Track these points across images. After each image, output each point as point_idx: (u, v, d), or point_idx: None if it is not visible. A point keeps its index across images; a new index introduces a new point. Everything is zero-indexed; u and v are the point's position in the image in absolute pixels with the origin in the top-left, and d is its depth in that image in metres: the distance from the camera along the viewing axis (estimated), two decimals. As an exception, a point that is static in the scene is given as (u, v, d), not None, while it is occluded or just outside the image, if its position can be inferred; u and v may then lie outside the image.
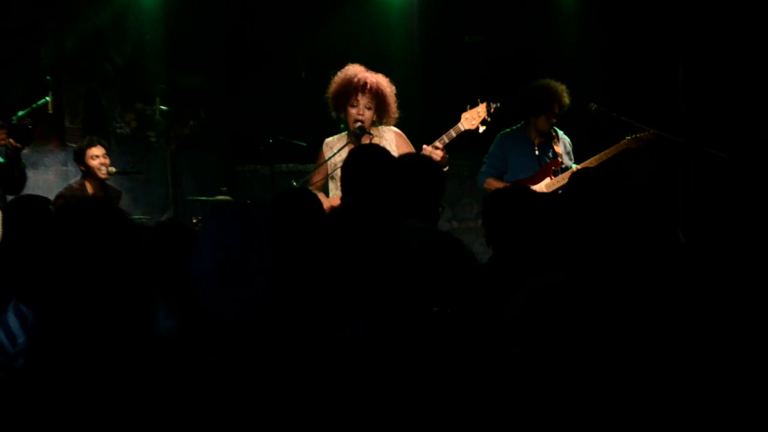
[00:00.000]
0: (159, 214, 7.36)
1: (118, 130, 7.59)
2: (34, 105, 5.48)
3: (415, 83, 7.26)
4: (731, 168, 6.04)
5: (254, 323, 1.94)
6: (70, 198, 5.88)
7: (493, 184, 5.57)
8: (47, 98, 5.56)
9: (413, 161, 3.85)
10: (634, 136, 5.53)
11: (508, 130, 5.75)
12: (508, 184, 5.36)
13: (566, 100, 5.57)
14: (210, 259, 3.16)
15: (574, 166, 5.57)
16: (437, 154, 4.72)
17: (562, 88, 5.57)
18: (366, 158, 3.35)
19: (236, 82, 8.03)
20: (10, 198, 4.95)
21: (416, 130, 5.27)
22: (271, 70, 7.88)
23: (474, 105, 5.01)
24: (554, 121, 5.62)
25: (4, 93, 6.50)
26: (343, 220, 3.14)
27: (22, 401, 1.64)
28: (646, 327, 2.51)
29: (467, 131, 4.99)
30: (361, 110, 4.93)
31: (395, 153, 4.74)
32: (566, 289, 2.59)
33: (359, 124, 4.90)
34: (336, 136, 5.12)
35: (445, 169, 4.43)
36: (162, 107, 6.62)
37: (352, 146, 4.81)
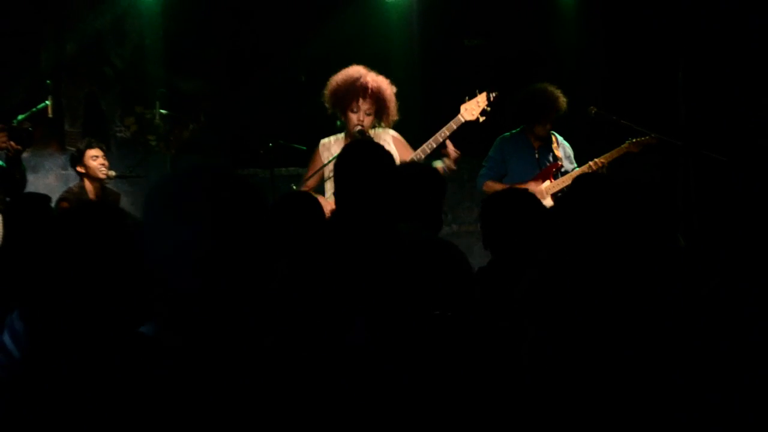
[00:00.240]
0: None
1: (118, 134, 7.60)
2: (34, 109, 5.47)
3: (415, 86, 7.26)
4: (731, 172, 6.04)
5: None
6: (73, 201, 5.87)
7: (493, 187, 5.57)
8: (47, 102, 5.56)
9: (415, 170, 3.84)
10: (634, 140, 5.53)
11: (508, 134, 5.75)
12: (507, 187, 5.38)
13: (563, 104, 5.57)
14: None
15: (578, 169, 5.57)
16: (454, 153, 4.73)
17: (558, 93, 5.56)
18: (362, 153, 3.30)
19: (236, 85, 8.03)
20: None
21: (416, 132, 5.28)
22: (271, 73, 7.88)
23: (473, 96, 4.99)
24: (550, 126, 5.61)
25: (4, 97, 6.50)
26: (338, 220, 3.12)
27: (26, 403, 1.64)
28: (647, 331, 2.51)
29: (467, 122, 4.97)
30: (361, 116, 4.91)
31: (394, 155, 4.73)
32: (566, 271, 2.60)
33: (359, 128, 4.89)
34: (332, 137, 5.10)
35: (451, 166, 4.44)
36: (162, 111, 6.62)
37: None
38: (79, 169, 6.13)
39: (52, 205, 4.29)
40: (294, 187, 5.13)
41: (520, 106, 5.61)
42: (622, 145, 5.52)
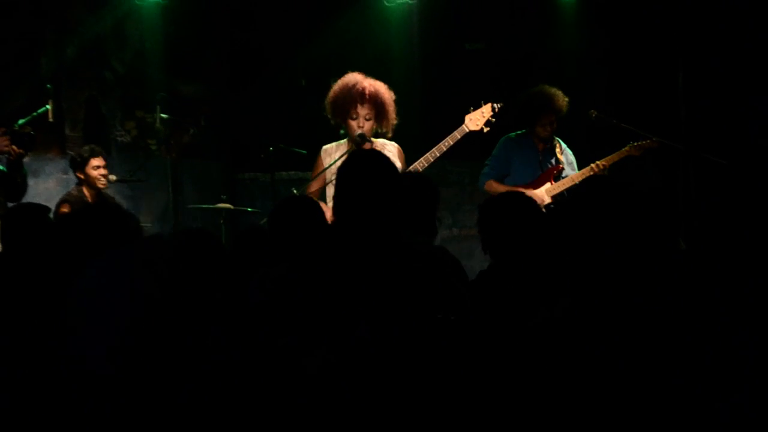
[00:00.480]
0: (160, 222, 7.36)
1: (119, 138, 7.59)
2: (35, 113, 5.47)
3: (416, 90, 7.26)
4: (732, 174, 6.04)
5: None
6: (74, 204, 5.88)
7: (494, 186, 5.60)
8: (47, 106, 5.56)
9: (409, 178, 3.84)
10: (635, 143, 5.55)
11: (513, 134, 5.76)
12: (509, 188, 5.39)
13: (562, 105, 5.57)
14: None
15: (579, 171, 5.59)
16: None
17: (556, 94, 5.57)
18: (367, 163, 3.30)
19: (237, 89, 8.04)
20: (11, 205, 4.95)
21: (416, 136, 5.28)
22: (272, 77, 7.88)
23: (477, 106, 5.01)
24: (552, 127, 5.62)
25: (4, 101, 6.50)
26: (338, 226, 3.11)
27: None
28: (648, 334, 2.51)
29: (471, 132, 4.99)
30: (361, 122, 4.93)
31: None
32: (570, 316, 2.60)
33: (359, 132, 4.91)
34: (334, 144, 5.12)
35: None
36: (162, 115, 6.62)
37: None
38: (79, 174, 6.16)
39: (52, 209, 4.28)
40: (295, 191, 5.13)
41: (521, 108, 5.63)
42: (623, 149, 5.55)
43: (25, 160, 5.19)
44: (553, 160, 5.66)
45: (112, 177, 6.24)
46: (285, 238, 3.22)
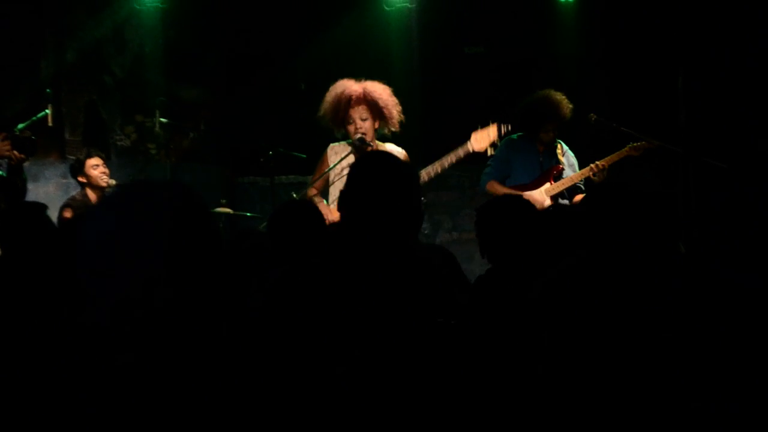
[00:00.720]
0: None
1: (119, 143, 7.60)
2: (34, 117, 5.47)
3: (415, 94, 7.27)
4: (731, 178, 6.04)
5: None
6: (77, 208, 5.88)
7: (495, 187, 5.60)
8: (47, 111, 5.56)
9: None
10: (635, 144, 5.56)
11: (515, 135, 5.76)
12: (510, 189, 5.40)
13: (567, 111, 5.57)
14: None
15: (579, 171, 5.59)
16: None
17: (561, 100, 5.57)
18: (380, 165, 3.24)
19: (236, 94, 8.05)
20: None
21: (416, 140, 5.28)
22: (271, 82, 7.89)
23: (485, 124, 4.98)
24: (555, 132, 5.63)
25: (4, 105, 6.51)
26: (344, 229, 3.10)
27: None
28: (647, 336, 2.51)
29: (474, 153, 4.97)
30: (358, 124, 4.90)
31: None
32: (585, 272, 2.59)
33: (359, 135, 4.88)
34: (343, 143, 5.10)
35: None
36: (162, 119, 6.62)
37: (353, 157, 4.79)
38: (80, 179, 6.16)
39: (52, 212, 4.28)
40: (294, 195, 5.13)
41: (525, 113, 5.62)
42: (623, 149, 5.56)
43: (25, 164, 5.19)
44: (553, 162, 5.67)
45: (112, 181, 6.24)
46: (284, 241, 3.23)
